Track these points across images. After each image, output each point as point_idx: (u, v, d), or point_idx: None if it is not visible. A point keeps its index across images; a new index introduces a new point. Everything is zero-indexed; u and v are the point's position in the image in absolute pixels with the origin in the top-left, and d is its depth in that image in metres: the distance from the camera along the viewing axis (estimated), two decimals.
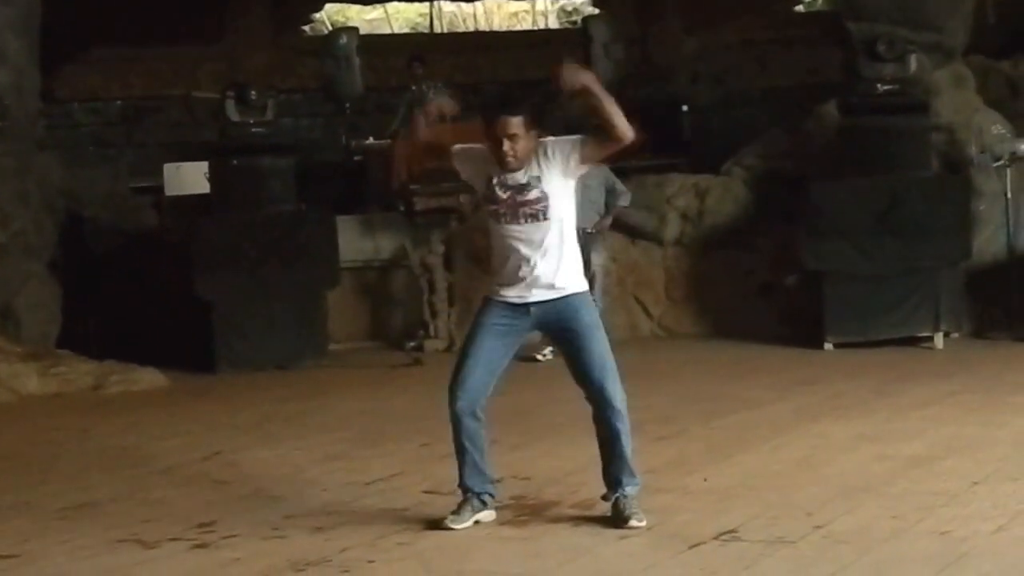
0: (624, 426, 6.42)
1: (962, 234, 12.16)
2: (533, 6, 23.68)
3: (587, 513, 6.58)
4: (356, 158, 15.25)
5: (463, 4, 22.72)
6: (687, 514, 6.49)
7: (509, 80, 17.02)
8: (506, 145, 6.19)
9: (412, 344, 12.93)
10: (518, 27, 23.72)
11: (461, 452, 6.41)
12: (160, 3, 17.83)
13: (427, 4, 22.69)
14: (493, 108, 6.24)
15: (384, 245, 13.55)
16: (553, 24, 23.37)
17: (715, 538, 6.07)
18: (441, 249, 13.15)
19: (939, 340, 11.92)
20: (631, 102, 15.58)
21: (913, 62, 12.47)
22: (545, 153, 6.27)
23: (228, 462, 8.29)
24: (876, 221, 12.09)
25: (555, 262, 6.28)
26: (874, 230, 12.08)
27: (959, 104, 12.98)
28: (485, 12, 23.66)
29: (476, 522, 6.43)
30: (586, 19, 16.82)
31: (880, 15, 12.91)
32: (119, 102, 18.14)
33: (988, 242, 12.44)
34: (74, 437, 9.53)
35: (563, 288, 6.32)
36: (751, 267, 13.20)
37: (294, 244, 12.47)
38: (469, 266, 13.10)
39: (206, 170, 13.04)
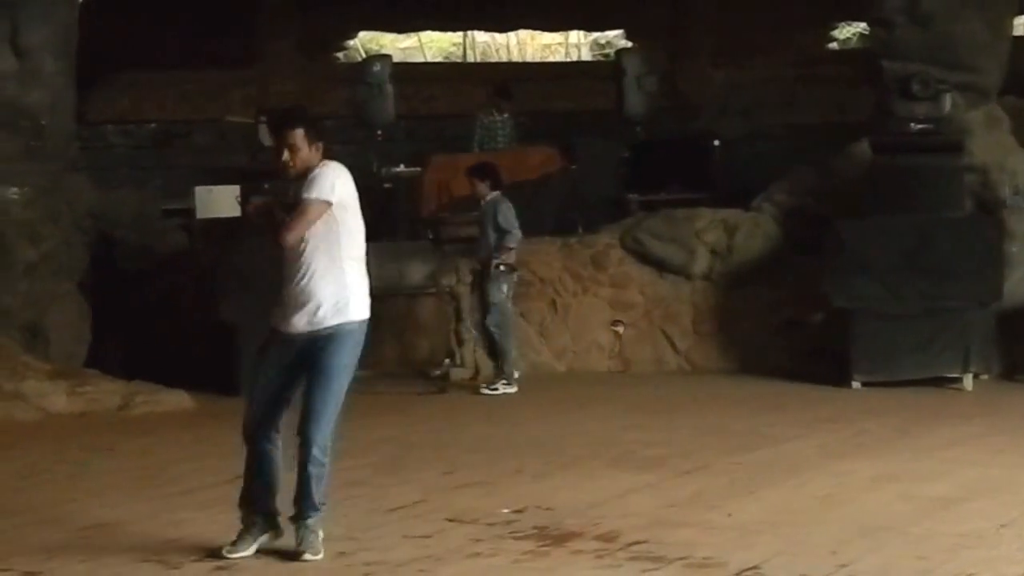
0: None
1: (993, 275, 12.10)
2: (566, 38, 23.74)
3: (609, 545, 6.55)
4: (386, 185, 15.30)
5: (496, 35, 22.81)
6: (709, 549, 6.47)
7: (540, 111, 17.06)
8: (285, 155, 6.33)
9: (437, 372, 12.92)
10: (551, 59, 23.80)
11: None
12: (193, 28, 17.97)
13: (460, 34, 22.80)
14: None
15: (412, 272, 13.56)
16: (586, 56, 23.43)
17: (738, 574, 6.04)
18: (468, 278, 13.16)
19: (968, 381, 11.85)
20: (662, 135, 15.70)
21: (947, 102, 12.46)
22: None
23: None
24: (906, 260, 12.05)
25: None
26: (903, 269, 12.03)
27: (992, 145, 12.94)
28: (518, 43, 23.74)
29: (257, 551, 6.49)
30: (619, 52, 16.90)
31: (914, 54, 12.91)
32: (152, 125, 18.25)
33: (1020, 284, 12.37)
34: (99, 456, 9.55)
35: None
36: (778, 303, 13.16)
37: None
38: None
39: (237, 194, 13.08)
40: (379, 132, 14.93)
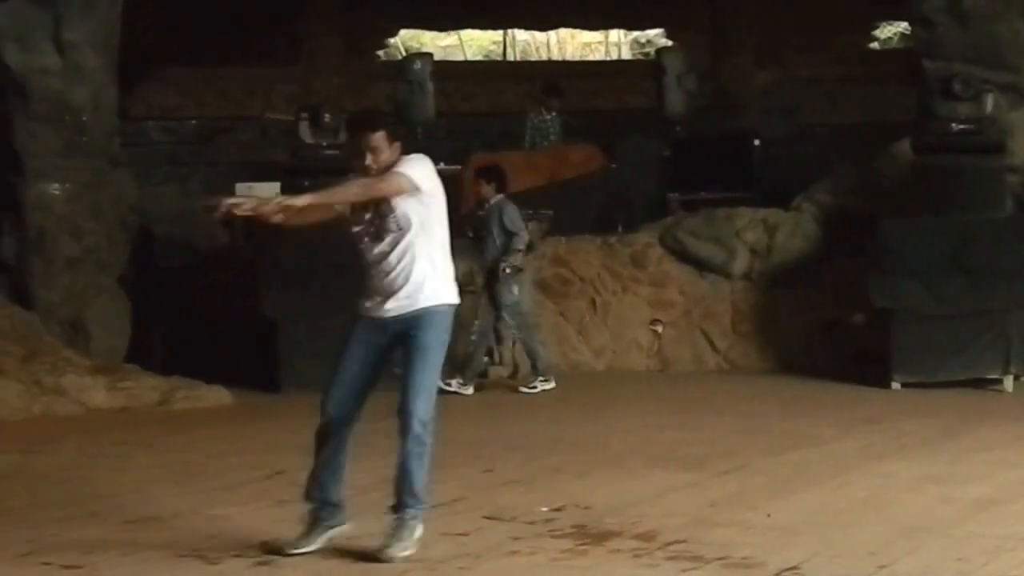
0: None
1: None
2: (606, 37, 23.72)
3: (647, 544, 6.55)
4: None
5: (536, 33, 22.81)
6: (749, 549, 6.45)
7: (580, 110, 17.05)
8: (368, 158, 6.35)
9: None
10: (591, 57, 23.79)
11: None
12: (236, 25, 18.03)
13: (501, 32, 22.81)
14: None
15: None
16: (626, 55, 23.41)
17: (777, 574, 6.02)
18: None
19: (1008, 383, 11.79)
20: (702, 134, 15.67)
21: (989, 102, 12.39)
22: None
23: (291, 481, 8.27)
24: (947, 261, 11.99)
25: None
26: (945, 270, 11.98)
27: None
28: (559, 41, 23.75)
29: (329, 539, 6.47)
30: (660, 51, 16.89)
31: (956, 54, 12.85)
32: (193, 121, 18.34)
33: None
34: (139, 451, 9.59)
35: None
36: (819, 303, 13.13)
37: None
38: (535, 293, 13.12)
39: (277, 190, 13.12)
40: (419, 130, 14.94)
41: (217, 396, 11.71)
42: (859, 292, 12.36)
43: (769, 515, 7.19)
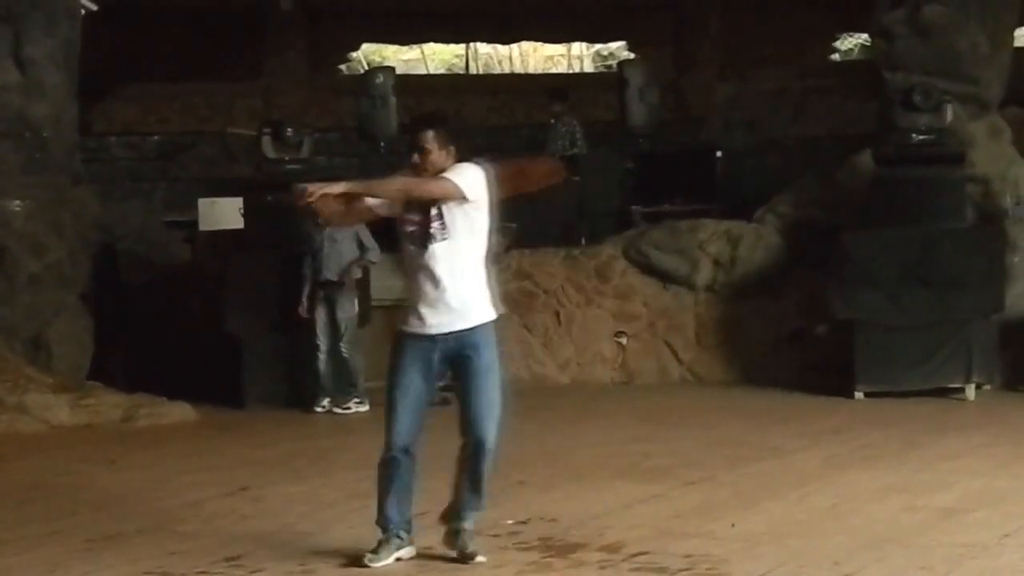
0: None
1: (995, 286, 12.11)
2: (569, 50, 23.77)
3: (613, 556, 6.55)
4: None
5: (499, 46, 22.83)
6: (714, 560, 6.46)
7: (543, 122, 17.06)
8: (415, 157, 6.32)
9: (441, 383, 12.87)
10: (553, 70, 23.81)
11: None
12: (197, 40, 17.99)
13: (463, 45, 22.82)
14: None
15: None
16: (588, 68, 23.45)
17: None
18: None
19: (970, 392, 11.86)
20: (665, 147, 15.68)
21: (949, 113, 12.47)
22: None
23: (255, 497, 8.29)
24: (908, 271, 12.06)
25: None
26: (906, 280, 12.05)
27: (995, 156, 12.96)
28: (521, 54, 23.78)
29: (398, 559, 6.44)
30: (622, 63, 16.89)
31: (916, 66, 12.93)
32: (155, 137, 18.28)
33: (1022, 295, 12.37)
34: (102, 469, 9.55)
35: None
36: (782, 315, 13.18)
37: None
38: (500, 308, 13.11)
39: (241, 206, 13.11)
40: (382, 144, 14.92)
41: (181, 412, 11.68)
42: (822, 303, 12.41)
43: (734, 526, 7.20)
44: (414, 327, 6.40)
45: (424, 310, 6.35)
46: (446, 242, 6.28)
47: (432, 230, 6.28)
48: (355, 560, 6.44)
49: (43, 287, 12.61)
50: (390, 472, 6.44)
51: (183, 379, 12.23)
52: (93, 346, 12.85)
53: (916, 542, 6.77)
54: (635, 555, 6.56)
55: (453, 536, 6.49)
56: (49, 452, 10.27)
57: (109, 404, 11.66)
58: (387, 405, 6.49)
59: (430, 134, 6.33)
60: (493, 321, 6.45)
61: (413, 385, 6.45)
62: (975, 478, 8.38)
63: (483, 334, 6.38)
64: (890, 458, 9.20)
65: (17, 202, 12.62)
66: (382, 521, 6.45)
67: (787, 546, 6.71)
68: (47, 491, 8.75)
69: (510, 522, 7.32)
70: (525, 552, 6.65)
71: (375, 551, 6.42)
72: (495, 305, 6.46)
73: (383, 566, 6.38)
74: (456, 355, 6.39)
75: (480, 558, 6.40)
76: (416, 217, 6.32)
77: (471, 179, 6.32)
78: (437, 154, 6.33)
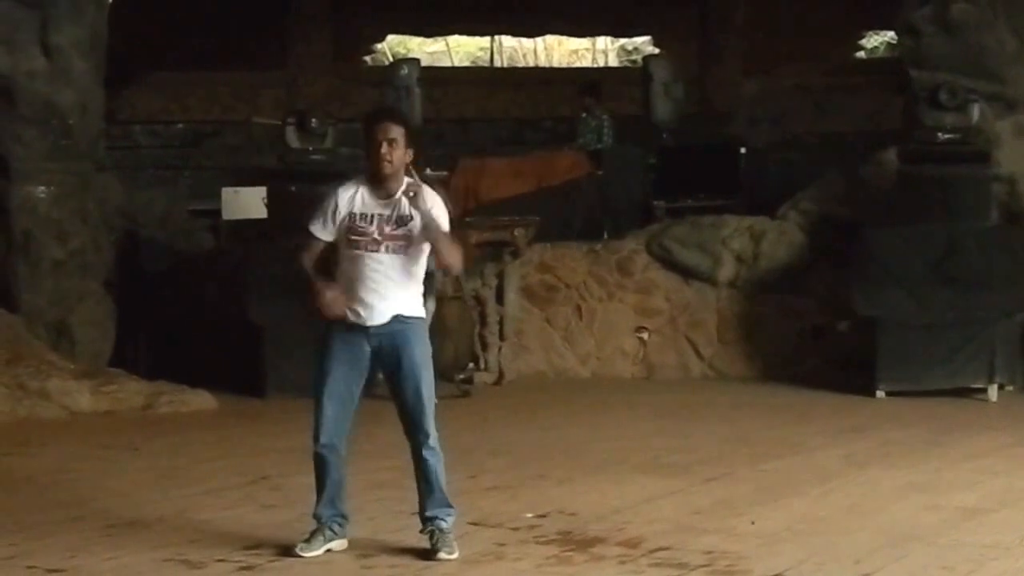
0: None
1: (1019, 286, 12.05)
2: (593, 44, 23.75)
3: (632, 551, 6.55)
4: None
5: (524, 40, 22.84)
6: (733, 556, 6.45)
7: (567, 116, 17.07)
8: (384, 147, 6.36)
9: (462, 376, 12.92)
10: (578, 64, 23.81)
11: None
12: (223, 29, 18.03)
13: (488, 38, 22.84)
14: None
15: (437, 276, 13.55)
16: (613, 62, 23.45)
17: None
18: (494, 282, 13.15)
19: (993, 392, 11.81)
20: (689, 142, 15.68)
21: (975, 111, 12.41)
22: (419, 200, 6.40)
23: (275, 486, 8.31)
24: (932, 270, 12.02)
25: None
26: (930, 279, 12.00)
27: (1020, 155, 12.89)
28: (546, 48, 23.77)
29: (328, 550, 6.52)
30: (647, 58, 16.89)
31: (943, 64, 12.87)
32: (180, 125, 18.31)
33: None
34: (123, 456, 9.57)
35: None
36: (804, 311, 13.14)
37: None
38: (521, 300, 13.13)
39: (264, 195, 13.11)
40: None
41: (202, 400, 11.69)
42: (844, 300, 12.38)
43: (754, 522, 7.19)
44: (350, 317, 6.50)
45: (363, 303, 6.46)
46: (406, 246, 6.42)
47: (392, 243, 6.41)
48: (288, 551, 6.51)
49: (66, 273, 12.65)
50: (319, 468, 6.64)
51: (204, 367, 12.24)
52: (115, 333, 12.89)
53: (938, 541, 6.76)
54: (654, 550, 6.56)
55: (428, 536, 6.52)
56: (70, 438, 10.30)
57: (130, 391, 11.68)
58: (315, 397, 6.65)
59: (402, 129, 6.42)
60: (423, 320, 6.60)
61: (341, 383, 6.57)
62: (997, 478, 8.36)
63: (413, 329, 6.50)
64: (911, 457, 9.17)
65: (42, 188, 12.65)
66: (316, 513, 6.57)
67: (807, 543, 6.70)
68: (68, 477, 8.77)
69: (530, 515, 7.32)
70: (544, 546, 6.66)
71: (307, 541, 6.53)
72: (424, 309, 6.64)
73: (314, 556, 6.47)
74: (384, 353, 6.49)
75: (442, 555, 6.40)
76: (386, 228, 6.41)
77: (446, 214, 6.46)
78: (403, 151, 6.41)
